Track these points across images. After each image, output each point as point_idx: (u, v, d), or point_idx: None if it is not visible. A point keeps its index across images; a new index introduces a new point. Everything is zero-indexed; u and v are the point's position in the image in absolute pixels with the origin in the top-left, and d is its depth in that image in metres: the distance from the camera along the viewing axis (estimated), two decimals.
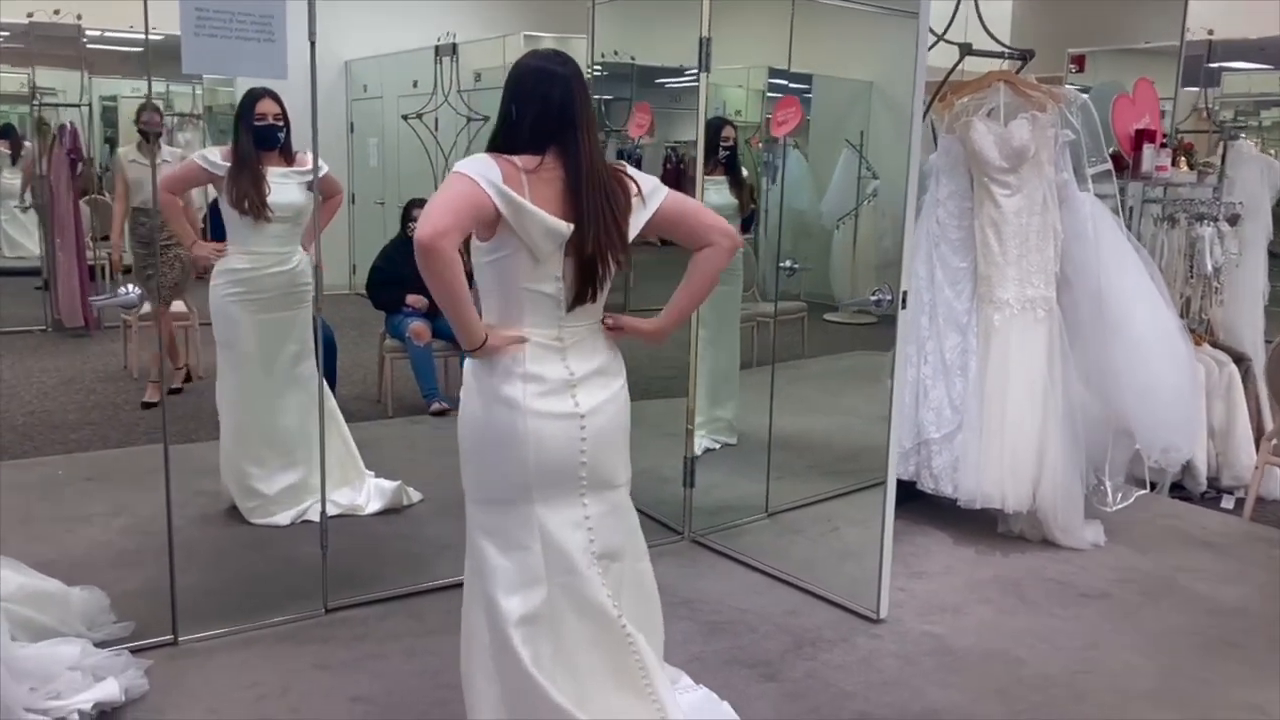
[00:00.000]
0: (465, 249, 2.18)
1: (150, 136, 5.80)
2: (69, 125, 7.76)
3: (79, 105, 8.38)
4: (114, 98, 9.58)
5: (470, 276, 2.23)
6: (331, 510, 3.78)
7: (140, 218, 6.00)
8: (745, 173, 5.39)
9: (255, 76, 3.07)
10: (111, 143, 9.68)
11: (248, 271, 4.07)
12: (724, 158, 5.00)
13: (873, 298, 3.48)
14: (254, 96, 4.03)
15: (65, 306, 7.66)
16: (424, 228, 2.07)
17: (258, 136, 4.01)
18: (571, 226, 2.20)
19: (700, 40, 3.92)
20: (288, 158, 4.13)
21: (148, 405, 5.77)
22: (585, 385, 2.29)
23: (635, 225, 2.29)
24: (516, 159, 2.21)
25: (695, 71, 3.96)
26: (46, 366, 6.77)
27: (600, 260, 2.23)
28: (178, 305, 5.94)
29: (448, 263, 2.09)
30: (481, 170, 2.15)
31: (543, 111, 2.22)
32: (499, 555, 2.29)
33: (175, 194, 4.15)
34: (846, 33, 6.57)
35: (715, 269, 2.38)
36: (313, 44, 3.22)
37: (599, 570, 2.33)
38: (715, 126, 4.95)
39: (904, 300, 3.33)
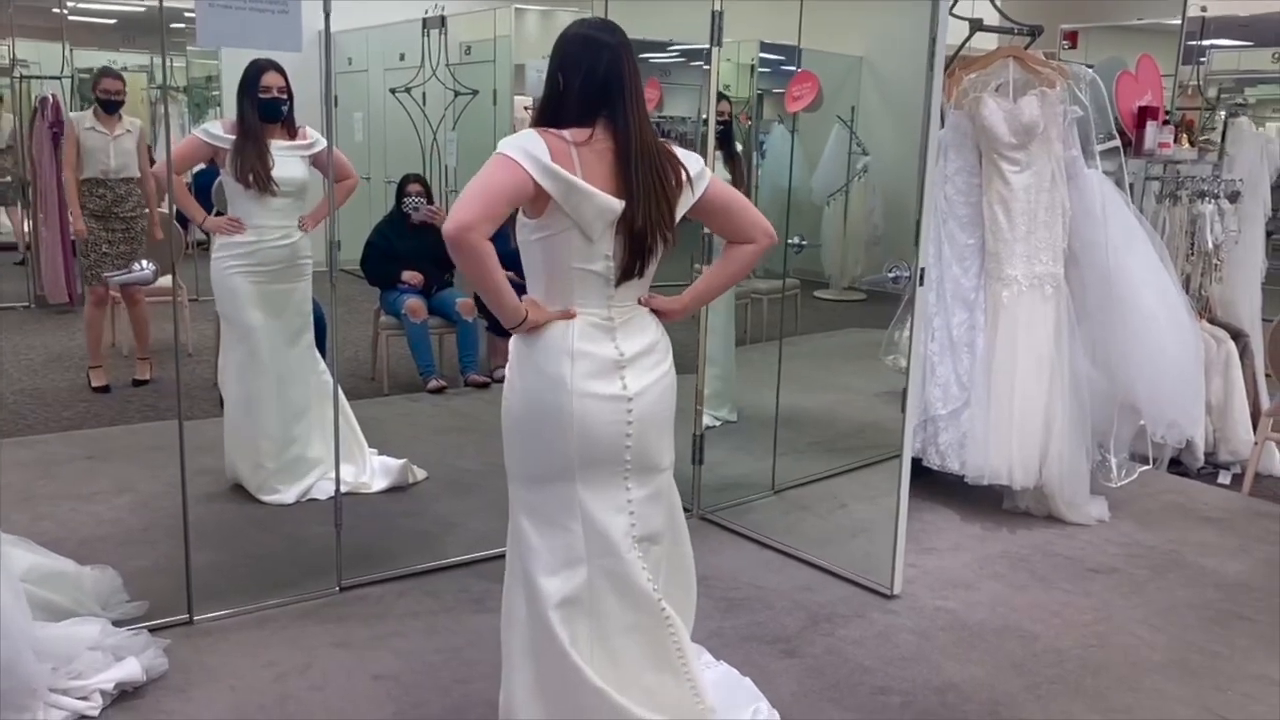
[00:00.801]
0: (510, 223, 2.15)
1: (109, 105, 5.66)
2: (51, 98, 7.60)
3: (59, 78, 8.22)
4: (91, 70, 9.43)
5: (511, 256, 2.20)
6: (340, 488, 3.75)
7: (98, 189, 5.73)
8: (739, 147, 5.37)
9: (270, 49, 3.03)
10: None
11: (252, 245, 4.03)
12: (719, 132, 4.96)
13: (890, 274, 3.48)
14: (259, 69, 3.97)
15: (49, 282, 7.51)
16: (452, 219, 2.04)
17: (262, 109, 3.97)
18: (623, 203, 2.15)
19: (712, 13, 3.88)
20: (290, 131, 4.09)
21: (99, 389, 5.68)
22: (634, 366, 2.25)
23: (682, 206, 2.25)
24: (565, 132, 2.16)
25: (684, 46, 3.93)
26: (33, 344, 6.68)
27: (650, 235, 2.18)
28: (165, 280, 5.86)
29: (477, 255, 2.07)
30: (526, 147, 2.09)
31: (589, 81, 2.17)
32: (539, 535, 2.27)
33: (181, 174, 4.08)
34: (837, 7, 6.56)
35: (750, 264, 2.39)
36: (327, 15, 3.16)
37: (639, 553, 2.29)
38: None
39: (922, 276, 3.33)
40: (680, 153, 2.26)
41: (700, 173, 2.28)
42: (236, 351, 4.12)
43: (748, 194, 5.83)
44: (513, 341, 2.31)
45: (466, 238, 2.04)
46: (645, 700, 2.30)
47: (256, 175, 3.93)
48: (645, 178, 2.16)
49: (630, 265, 2.21)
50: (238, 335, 4.11)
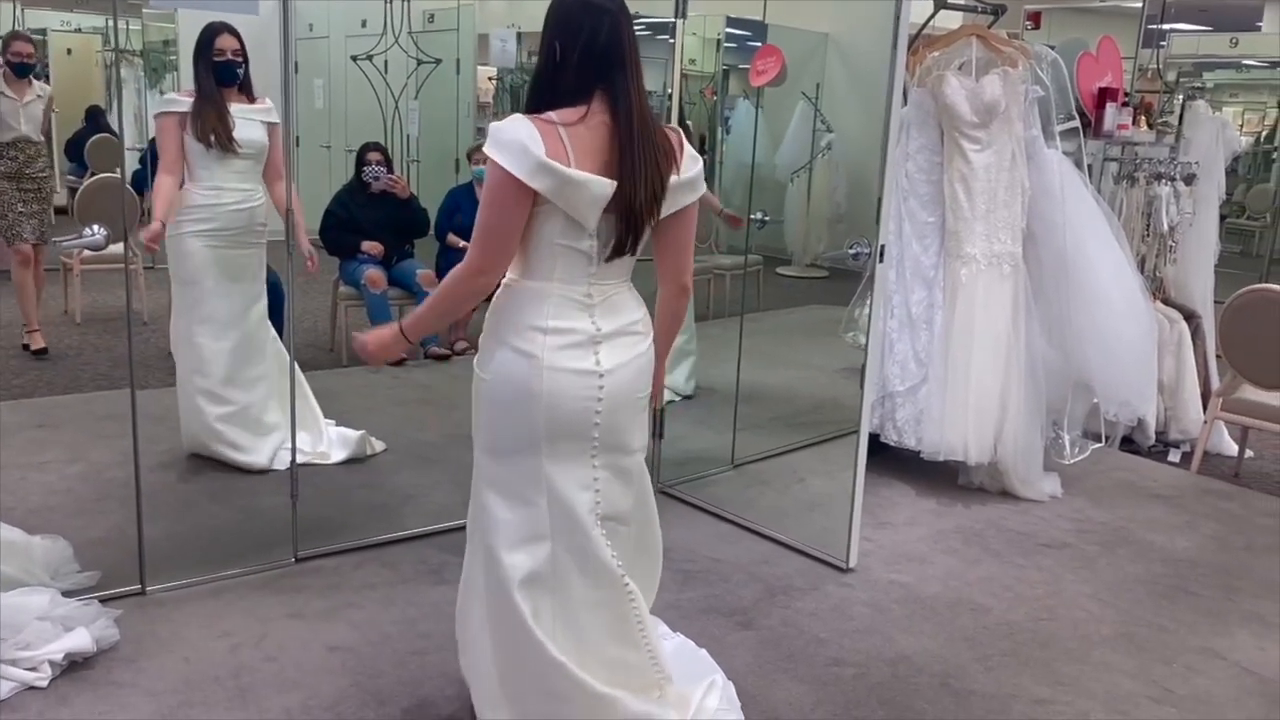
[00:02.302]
0: None
1: (20, 69, 5.57)
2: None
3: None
4: (43, 31, 9.21)
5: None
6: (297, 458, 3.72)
7: (9, 152, 5.63)
8: (689, 123, 5.34)
9: (228, 12, 2.97)
10: (44, 79, 9.32)
11: (212, 208, 3.98)
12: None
13: (850, 250, 3.49)
14: (212, 32, 3.91)
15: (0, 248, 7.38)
16: (471, 260, 2.13)
17: (218, 73, 3.92)
18: (615, 184, 2.09)
19: None
20: (249, 95, 4.04)
21: (38, 352, 5.63)
22: (610, 342, 2.20)
23: (671, 194, 2.17)
24: (554, 115, 2.08)
25: (649, 20, 3.91)
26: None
27: (645, 214, 2.13)
28: (116, 247, 5.76)
29: (474, 298, 2.19)
30: (521, 145, 2.02)
31: (589, 50, 2.09)
32: (504, 508, 2.25)
33: (177, 173, 3.94)
34: None
35: (677, 320, 2.40)
36: None
37: (603, 531, 2.27)
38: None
39: (881, 254, 3.34)
40: (689, 148, 2.21)
41: (696, 178, 2.22)
42: (188, 316, 4.07)
43: (710, 169, 5.83)
44: (487, 315, 2.29)
45: (478, 283, 2.16)
46: (605, 674, 2.30)
47: (218, 135, 3.89)
48: (643, 153, 2.09)
49: (621, 242, 2.16)
50: (192, 299, 4.05)
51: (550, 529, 2.24)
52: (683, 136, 2.22)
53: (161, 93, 9.73)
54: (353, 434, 4.37)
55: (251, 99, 4.04)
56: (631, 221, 2.13)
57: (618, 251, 2.17)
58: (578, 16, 2.11)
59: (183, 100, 3.91)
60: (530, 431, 2.20)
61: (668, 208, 2.17)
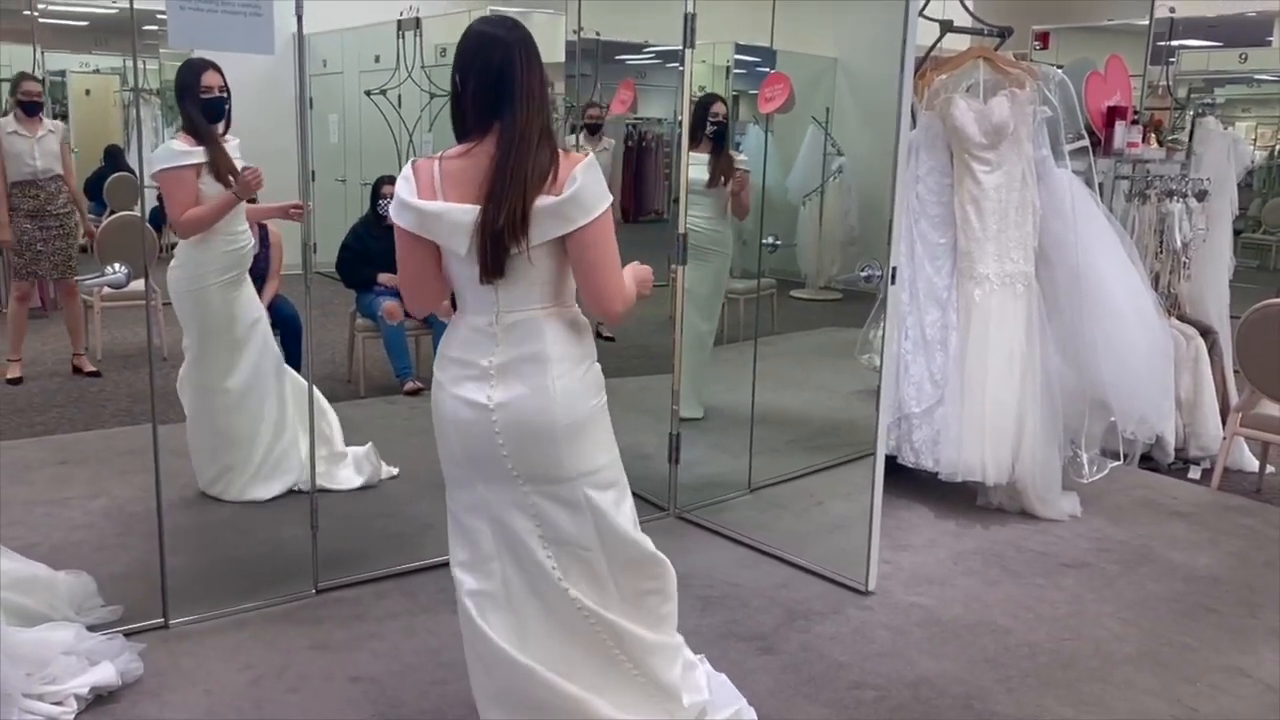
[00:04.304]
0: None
1: (29, 107, 5.86)
2: None
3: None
4: (62, 73, 9.35)
5: None
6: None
7: (30, 190, 5.90)
8: (737, 155, 5.36)
9: (242, 51, 3.01)
10: (62, 119, 9.47)
11: (235, 253, 4.00)
12: (712, 133, 4.98)
13: (862, 273, 3.50)
14: (197, 69, 3.88)
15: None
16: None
17: (206, 109, 3.88)
18: (476, 208, 2.11)
19: (685, 16, 3.91)
20: (227, 130, 4.03)
21: (12, 381, 5.82)
22: (504, 376, 2.20)
23: (541, 219, 2.12)
24: (448, 150, 2.19)
25: (659, 48, 3.95)
26: (5, 349, 6.61)
27: (508, 236, 2.10)
28: (137, 284, 5.84)
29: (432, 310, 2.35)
30: (397, 191, 2.18)
31: (482, 82, 2.14)
32: (454, 531, 2.34)
33: (197, 209, 3.88)
34: (811, 8, 6.58)
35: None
36: (299, 17, 3.17)
37: (549, 553, 2.28)
38: (706, 102, 4.96)
39: (894, 276, 3.36)
40: (579, 173, 2.12)
41: (577, 202, 2.12)
42: (214, 363, 4.05)
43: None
44: None
45: (425, 311, 2.37)
46: (582, 681, 2.32)
47: (234, 173, 3.87)
48: (510, 179, 2.10)
49: (485, 266, 2.13)
50: (221, 346, 4.04)
51: (495, 550, 2.29)
52: (586, 163, 2.14)
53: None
54: (360, 450, 4.45)
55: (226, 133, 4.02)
56: (493, 245, 2.11)
57: (485, 276, 2.15)
58: (472, 49, 2.17)
59: (195, 150, 3.84)
60: (455, 456, 2.28)
61: (541, 233, 2.13)
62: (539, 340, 2.20)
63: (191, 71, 3.88)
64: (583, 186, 2.11)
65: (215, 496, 4.15)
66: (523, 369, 2.20)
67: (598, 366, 2.32)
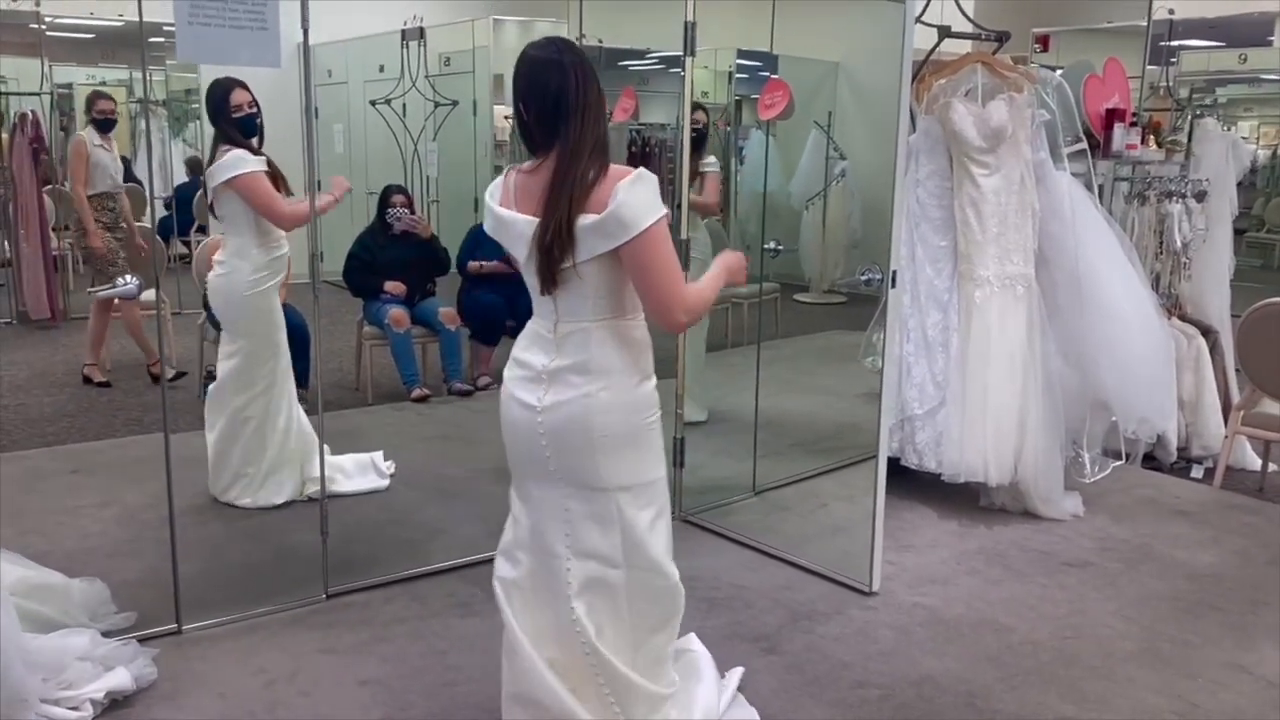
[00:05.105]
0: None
1: (105, 124, 6.10)
2: (30, 114, 7.61)
3: (39, 94, 8.22)
4: (69, 85, 9.43)
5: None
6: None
7: (108, 202, 6.13)
8: (710, 156, 5.42)
9: (249, 65, 3.06)
10: (66, 131, 9.54)
11: (282, 257, 4.15)
12: (692, 139, 5.02)
13: (862, 277, 3.55)
14: (225, 88, 4.00)
15: (31, 299, 7.54)
16: None
17: (243, 127, 4.01)
18: (536, 220, 2.22)
19: (685, 24, 3.94)
20: (261, 143, 4.14)
21: (102, 384, 6.03)
22: (555, 381, 2.29)
23: (585, 235, 2.18)
24: (525, 164, 2.29)
25: (661, 54, 3.99)
26: (16, 360, 6.68)
27: (557, 250, 2.19)
28: (149, 294, 5.93)
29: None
30: (486, 203, 2.35)
31: (542, 106, 2.22)
32: (509, 519, 2.48)
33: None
34: (812, 13, 6.63)
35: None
36: (305, 30, 3.21)
37: (570, 567, 2.35)
38: None
39: (894, 279, 3.39)
40: (622, 188, 2.16)
41: (619, 218, 2.15)
42: (257, 369, 4.14)
43: (725, 198, 5.89)
44: None
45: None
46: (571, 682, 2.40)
47: (282, 179, 4.06)
48: (558, 194, 2.19)
49: (540, 276, 2.24)
50: (266, 354, 4.14)
51: (529, 543, 2.41)
52: (630, 179, 2.17)
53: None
54: (364, 457, 4.53)
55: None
56: (543, 259, 2.22)
57: (540, 286, 2.27)
58: (529, 75, 2.25)
59: (259, 157, 3.99)
60: (510, 451, 2.42)
61: (587, 249, 2.19)
62: (586, 351, 2.27)
63: (220, 92, 4.00)
64: (622, 203, 2.14)
65: (229, 503, 4.20)
66: (571, 377, 2.28)
67: (651, 383, 2.36)
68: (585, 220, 2.17)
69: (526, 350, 2.34)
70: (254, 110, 4.04)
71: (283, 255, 4.15)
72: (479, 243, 6.11)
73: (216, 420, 4.17)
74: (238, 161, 3.91)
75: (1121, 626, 3.44)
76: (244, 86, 4.02)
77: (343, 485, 4.36)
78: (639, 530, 2.35)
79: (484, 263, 5.98)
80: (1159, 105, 6.03)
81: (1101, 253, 4.23)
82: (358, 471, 4.48)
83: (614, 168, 2.22)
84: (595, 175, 2.19)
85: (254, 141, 4.07)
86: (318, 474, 4.24)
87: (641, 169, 2.22)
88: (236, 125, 4.00)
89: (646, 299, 2.24)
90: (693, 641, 2.92)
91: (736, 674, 2.94)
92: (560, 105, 2.20)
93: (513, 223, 2.26)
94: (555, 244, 2.18)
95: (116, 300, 5.90)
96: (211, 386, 4.24)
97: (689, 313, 2.25)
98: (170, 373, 5.89)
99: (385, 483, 4.49)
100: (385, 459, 4.61)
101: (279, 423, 4.20)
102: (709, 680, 2.76)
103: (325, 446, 4.40)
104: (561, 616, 2.37)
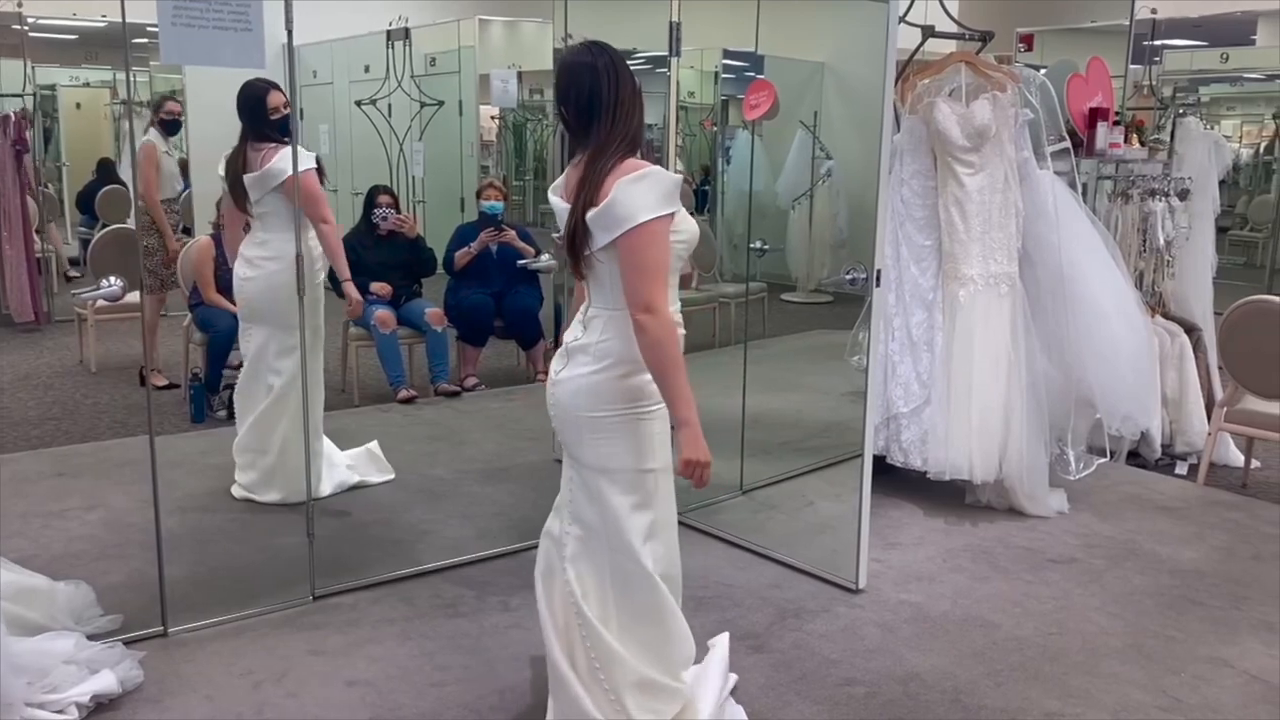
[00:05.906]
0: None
1: (173, 126, 6.05)
2: (12, 115, 7.57)
3: (21, 95, 8.18)
4: (52, 86, 9.38)
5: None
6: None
7: (171, 207, 6.11)
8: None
9: (234, 66, 3.06)
10: (49, 133, 9.49)
11: (317, 251, 4.19)
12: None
13: (846, 276, 3.56)
14: (261, 90, 3.99)
15: (15, 301, 7.51)
16: None
17: (281, 129, 4.01)
18: (568, 208, 2.38)
19: (670, 25, 3.95)
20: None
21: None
22: (572, 358, 2.43)
23: (590, 227, 2.30)
24: (577, 157, 2.40)
25: (648, 55, 4.00)
26: (0, 363, 6.65)
27: (579, 239, 2.33)
28: (132, 296, 5.90)
29: None
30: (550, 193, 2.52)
31: (578, 107, 2.35)
32: None
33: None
34: (798, 13, 6.65)
35: (646, 357, 2.28)
36: (289, 31, 3.21)
37: (568, 530, 2.51)
38: None
39: (878, 278, 3.41)
40: (618, 184, 2.24)
41: (612, 213, 2.24)
42: (281, 364, 4.18)
43: (711, 199, 5.92)
44: None
45: None
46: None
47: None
48: (582, 186, 2.33)
49: (571, 261, 2.40)
50: (285, 345, 4.16)
51: (563, 504, 2.56)
52: (629, 177, 2.24)
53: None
54: (359, 450, 4.61)
55: None
56: (569, 245, 2.38)
57: (575, 272, 2.43)
58: (566, 79, 2.38)
59: (311, 153, 4.02)
60: None
61: (592, 240, 2.32)
62: (599, 335, 2.39)
63: (257, 94, 3.99)
64: (615, 200, 2.24)
65: (216, 502, 4.20)
66: (581, 357, 2.41)
67: (647, 376, 2.35)
68: (590, 213, 2.30)
69: (571, 329, 2.49)
70: (289, 110, 4.00)
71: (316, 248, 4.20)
72: (464, 242, 6.12)
73: (247, 412, 4.23)
74: (304, 158, 3.86)
75: (1106, 622, 3.46)
76: (278, 88, 4.01)
77: (369, 476, 4.50)
78: (618, 514, 2.43)
79: (469, 247, 6.05)
80: (1142, 104, 6.07)
81: (1085, 251, 4.25)
82: (370, 463, 4.59)
83: (629, 162, 2.30)
84: (610, 168, 2.29)
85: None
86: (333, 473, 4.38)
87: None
88: (275, 127, 4.01)
89: (627, 285, 2.29)
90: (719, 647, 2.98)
91: (731, 680, 2.94)
92: (593, 104, 2.33)
93: (560, 212, 2.42)
94: (576, 233, 2.33)
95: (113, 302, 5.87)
96: (240, 378, 4.30)
97: (649, 312, 2.23)
98: (162, 381, 5.89)
99: (391, 474, 4.58)
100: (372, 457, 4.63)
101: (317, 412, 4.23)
102: (713, 687, 2.81)
103: (323, 445, 4.46)
104: (559, 578, 2.51)
